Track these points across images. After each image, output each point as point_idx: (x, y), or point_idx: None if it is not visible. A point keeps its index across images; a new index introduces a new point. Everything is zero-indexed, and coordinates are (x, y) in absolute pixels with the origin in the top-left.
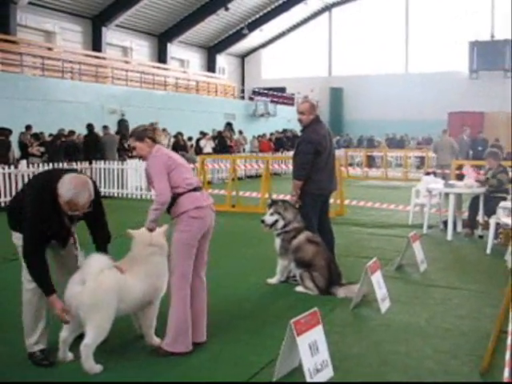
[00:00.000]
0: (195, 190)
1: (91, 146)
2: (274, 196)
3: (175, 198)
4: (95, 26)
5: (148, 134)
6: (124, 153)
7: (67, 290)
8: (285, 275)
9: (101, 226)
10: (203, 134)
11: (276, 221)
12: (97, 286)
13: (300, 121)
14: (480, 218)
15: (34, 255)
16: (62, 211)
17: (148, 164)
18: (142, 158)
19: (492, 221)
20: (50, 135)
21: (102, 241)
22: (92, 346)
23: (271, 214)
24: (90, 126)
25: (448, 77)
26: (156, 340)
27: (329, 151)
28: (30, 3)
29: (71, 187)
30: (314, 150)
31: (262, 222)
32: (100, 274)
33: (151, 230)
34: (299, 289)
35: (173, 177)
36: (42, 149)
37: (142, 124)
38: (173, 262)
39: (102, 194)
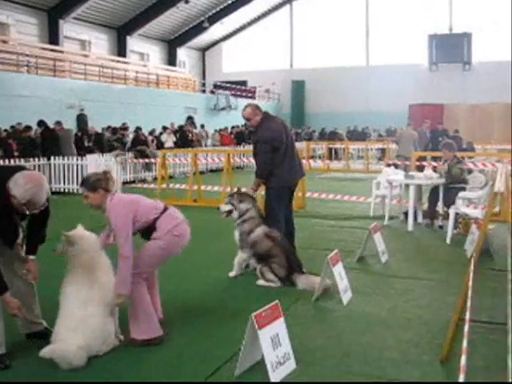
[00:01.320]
0: (165, 209)
1: (49, 142)
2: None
3: (152, 224)
4: (52, 18)
5: (101, 184)
6: (84, 148)
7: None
8: (243, 267)
9: (43, 225)
10: (164, 129)
11: (230, 211)
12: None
13: (250, 126)
14: (440, 208)
15: None
16: (13, 210)
17: (110, 214)
18: (93, 207)
19: (451, 211)
20: (5, 131)
21: (38, 240)
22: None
23: (226, 203)
24: (42, 122)
25: (408, 69)
26: (120, 337)
27: (286, 143)
28: None
29: (28, 187)
30: (271, 147)
31: (218, 208)
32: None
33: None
34: (261, 282)
35: (142, 211)
36: None
37: (94, 172)
38: (139, 262)
39: (62, 190)
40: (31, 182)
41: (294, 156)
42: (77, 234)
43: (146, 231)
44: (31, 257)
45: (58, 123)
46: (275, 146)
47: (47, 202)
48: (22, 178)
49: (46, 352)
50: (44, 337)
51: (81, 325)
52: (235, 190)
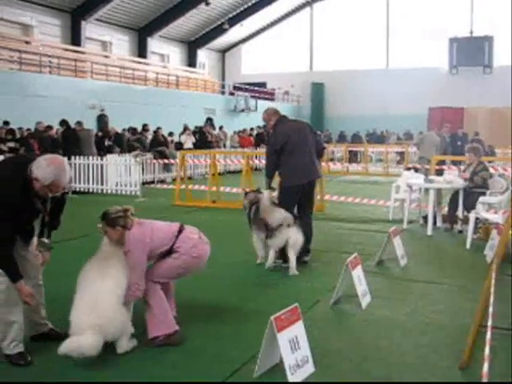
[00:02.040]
0: (180, 231)
1: (70, 142)
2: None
3: (170, 249)
4: (74, 19)
5: (119, 222)
6: (104, 148)
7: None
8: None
9: (58, 212)
10: (183, 129)
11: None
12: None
13: (268, 128)
14: (460, 212)
15: (6, 243)
16: (34, 195)
17: (129, 253)
18: (111, 240)
19: (471, 216)
20: (28, 130)
21: (53, 226)
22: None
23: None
24: (64, 122)
25: (428, 72)
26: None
27: (298, 143)
28: None
29: (51, 169)
30: (273, 150)
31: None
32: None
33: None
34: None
35: (157, 244)
36: (12, 144)
37: (115, 207)
38: (157, 271)
39: (82, 189)
40: (53, 163)
41: (305, 157)
42: None
43: (166, 255)
44: (45, 239)
45: (79, 123)
46: (276, 149)
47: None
48: (44, 161)
49: (63, 349)
50: (49, 338)
51: (95, 304)
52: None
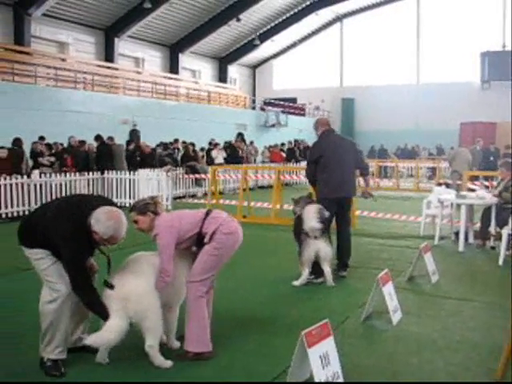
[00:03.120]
0: (207, 214)
1: (104, 157)
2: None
3: (200, 234)
4: (108, 36)
5: (150, 208)
6: (136, 162)
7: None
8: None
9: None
10: (214, 145)
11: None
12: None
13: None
14: (492, 228)
15: (87, 288)
16: (95, 242)
17: (158, 236)
18: (142, 230)
19: (504, 232)
20: (61, 145)
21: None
22: (156, 346)
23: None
24: (99, 137)
25: (459, 87)
26: (176, 343)
27: (333, 159)
28: (44, 15)
29: (110, 224)
30: (310, 159)
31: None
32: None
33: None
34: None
35: (186, 229)
36: (52, 159)
37: (142, 198)
38: (197, 269)
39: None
40: (112, 218)
41: (338, 173)
42: None
43: (198, 241)
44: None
45: (111, 138)
46: (313, 158)
47: None
48: (103, 215)
49: (89, 341)
50: (85, 350)
51: (123, 282)
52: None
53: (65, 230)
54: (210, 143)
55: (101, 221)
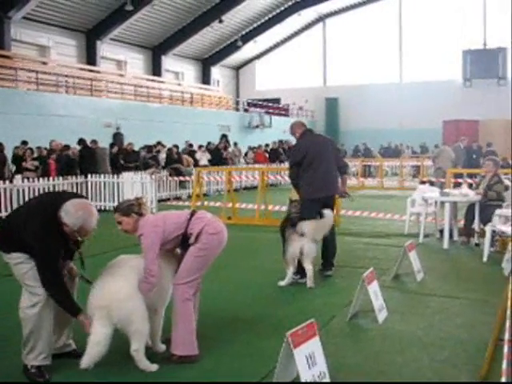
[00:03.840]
0: (192, 215)
1: (87, 160)
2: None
3: (185, 234)
4: (89, 39)
5: (133, 209)
6: (120, 166)
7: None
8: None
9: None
10: (199, 147)
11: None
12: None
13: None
14: (476, 225)
15: (57, 283)
16: (67, 236)
17: (142, 236)
18: (127, 232)
19: (488, 228)
20: (46, 149)
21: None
22: (142, 349)
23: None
24: (82, 141)
25: (442, 85)
26: (161, 346)
27: (316, 158)
28: (24, 18)
29: (79, 215)
30: (293, 161)
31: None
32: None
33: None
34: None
35: (170, 229)
36: (36, 163)
37: (127, 199)
38: (183, 271)
39: (98, 207)
40: (81, 209)
41: (323, 171)
42: None
43: (183, 243)
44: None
45: (94, 142)
46: (296, 161)
47: None
48: (72, 206)
49: (84, 364)
50: (70, 356)
51: (106, 287)
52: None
53: (35, 226)
54: (191, 145)
55: (70, 212)
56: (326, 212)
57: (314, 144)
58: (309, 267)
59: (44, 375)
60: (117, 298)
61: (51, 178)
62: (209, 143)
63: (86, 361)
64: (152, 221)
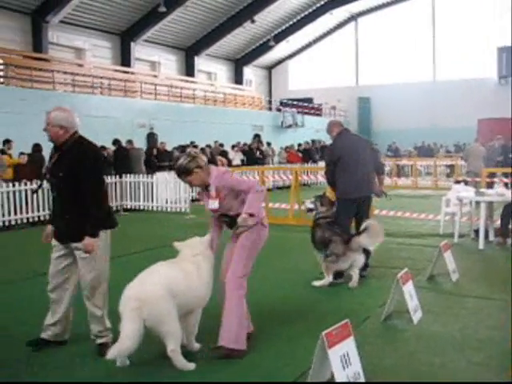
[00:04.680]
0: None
1: (121, 160)
2: (303, 207)
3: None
4: (124, 41)
5: (192, 166)
6: (153, 165)
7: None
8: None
9: (85, 202)
10: (232, 146)
11: (312, 209)
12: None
13: (331, 138)
14: None
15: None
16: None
17: (222, 183)
18: (199, 187)
19: None
20: None
21: (87, 220)
22: (178, 349)
23: (311, 202)
24: (117, 141)
25: (477, 83)
26: (195, 345)
27: (352, 159)
28: (61, 22)
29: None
30: (329, 160)
31: (303, 202)
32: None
33: (251, 215)
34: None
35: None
36: None
37: (181, 158)
38: (240, 264)
39: (131, 206)
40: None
41: (359, 172)
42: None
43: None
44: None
45: (130, 142)
46: (332, 160)
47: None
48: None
49: (110, 354)
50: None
51: (143, 281)
52: (321, 193)
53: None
54: (221, 145)
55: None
56: (372, 222)
57: (351, 144)
58: (355, 272)
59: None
60: (151, 295)
61: None
62: (238, 143)
63: (113, 352)
64: (221, 170)
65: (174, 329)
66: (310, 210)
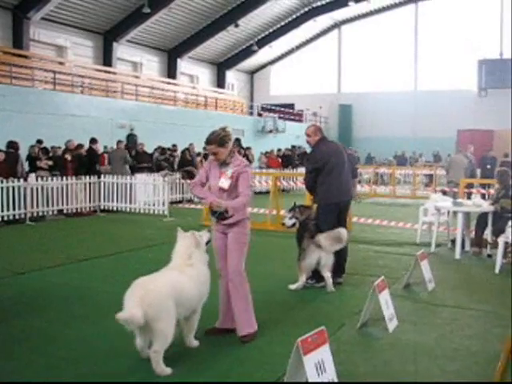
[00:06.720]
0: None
1: (93, 160)
2: (282, 212)
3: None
4: (106, 41)
5: (226, 139)
6: (132, 166)
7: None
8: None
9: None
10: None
11: (294, 224)
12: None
13: (308, 142)
14: (488, 236)
15: None
16: None
17: (240, 171)
18: (217, 160)
19: (501, 240)
20: (59, 148)
21: None
22: (161, 352)
23: (290, 218)
24: (93, 140)
25: (457, 95)
26: (195, 342)
27: (337, 165)
28: (42, 19)
29: None
30: (312, 167)
31: (283, 224)
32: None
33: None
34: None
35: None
36: (50, 162)
37: (217, 130)
38: (238, 258)
39: (111, 208)
40: None
41: (341, 177)
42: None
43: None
44: None
45: (119, 142)
46: (316, 167)
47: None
48: None
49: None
50: None
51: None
52: (294, 204)
53: None
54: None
55: None
56: (341, 230)
57: (334, 151)
58: (327, 275)
59: None
60: (157, 289)
61: (64, 178)
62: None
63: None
64: (246, 162)
65: (167, 330)
66: (293, 225)
